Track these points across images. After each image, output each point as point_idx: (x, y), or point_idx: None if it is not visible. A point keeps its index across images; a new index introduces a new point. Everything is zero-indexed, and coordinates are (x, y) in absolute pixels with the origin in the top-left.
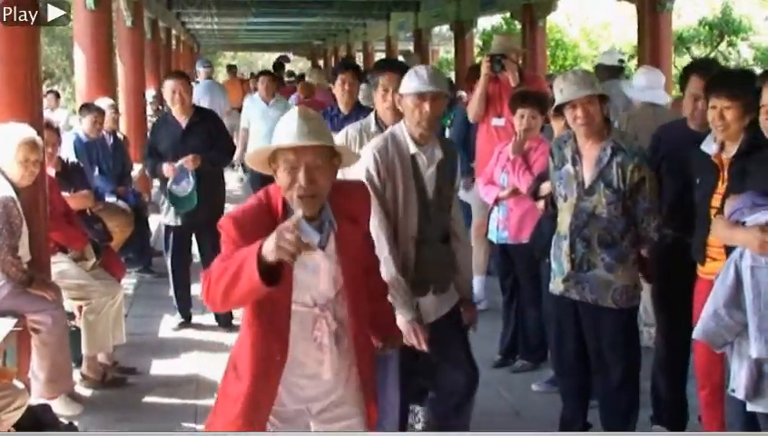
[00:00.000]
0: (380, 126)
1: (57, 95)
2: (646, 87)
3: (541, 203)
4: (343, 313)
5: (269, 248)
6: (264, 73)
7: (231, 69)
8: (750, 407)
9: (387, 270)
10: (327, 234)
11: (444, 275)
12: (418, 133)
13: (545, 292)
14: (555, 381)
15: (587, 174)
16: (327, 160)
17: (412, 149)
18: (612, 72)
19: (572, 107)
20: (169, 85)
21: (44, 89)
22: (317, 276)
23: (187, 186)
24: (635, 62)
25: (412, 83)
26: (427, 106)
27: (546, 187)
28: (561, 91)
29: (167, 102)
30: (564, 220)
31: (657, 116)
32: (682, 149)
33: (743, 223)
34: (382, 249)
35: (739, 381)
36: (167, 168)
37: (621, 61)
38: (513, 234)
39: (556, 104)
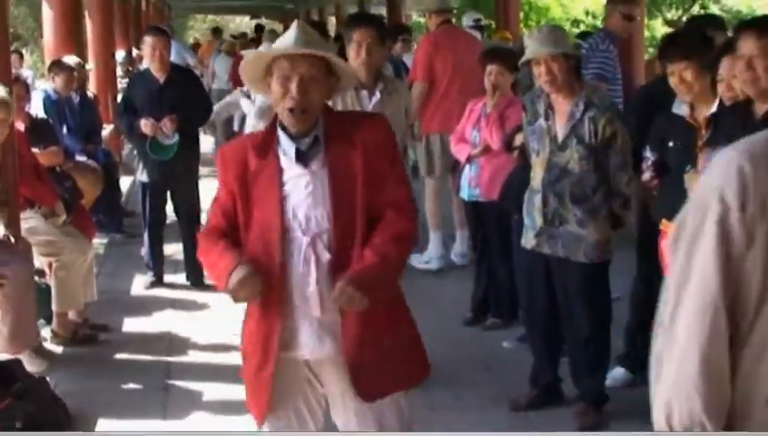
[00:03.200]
0: (355, 85)
1: (21, 55)
2: None
3: (515, 154)
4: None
5: (230, 285)
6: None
7: (216, 32)
8: None
9: (679, 401)
10: (312, 148)
11: None
12: None
13: (515, 249)
14: (525, 338)
15: (560, 129)
16: (323, 74)
17: None
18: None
19: (536, 64)
20: (149, 42)
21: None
22: (299, 193)
23: (172, 137)
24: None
25: None
26: None
27: (520, 138)
28: (527, 47)
29: (146, 58)
30: (536, 175)
31: None
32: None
33: None
34: (686, 353)
35: None
36: (145, 124)
37: (477, 20)
38: (484, 192)
39: (521, 60)
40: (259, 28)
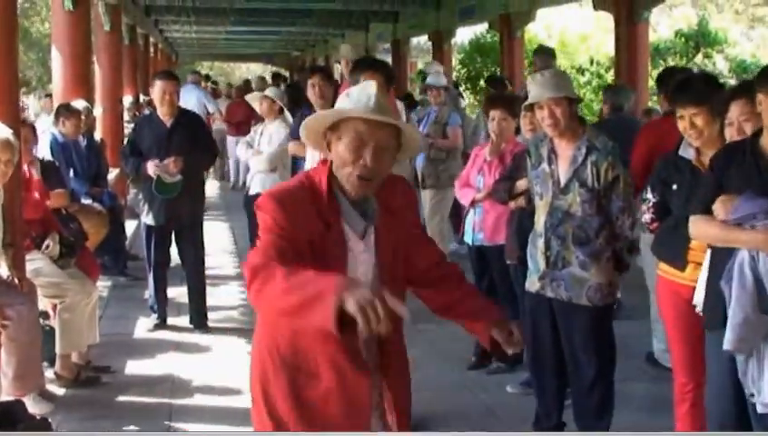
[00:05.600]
0: None
1: (50, 97)
2: None
3: (521, 200)
4: None
5: (350, 302)
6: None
7: (207, 79)
8: (762, 409)
9: None
10: (369, 224)
11: None
12: None
13: (518, 293)
14: (529, 382)
15: (563, 173)
16: (394, 144)
17: None
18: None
19: (539, 108)
20: (159, 85)
21: (42, 93)
22: (354, 269)
23: (175, 176)
24: (611, 73)
25: None
26: None
27: (521, 184)
28: (530, 91)
29: (155, 101)
30: (539, 218)
31: None
32: None
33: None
34: None
35: (762, 386)
36: (151, 166)
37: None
38: (489, 236)
39: (524, 104)
40: (276, 76)
